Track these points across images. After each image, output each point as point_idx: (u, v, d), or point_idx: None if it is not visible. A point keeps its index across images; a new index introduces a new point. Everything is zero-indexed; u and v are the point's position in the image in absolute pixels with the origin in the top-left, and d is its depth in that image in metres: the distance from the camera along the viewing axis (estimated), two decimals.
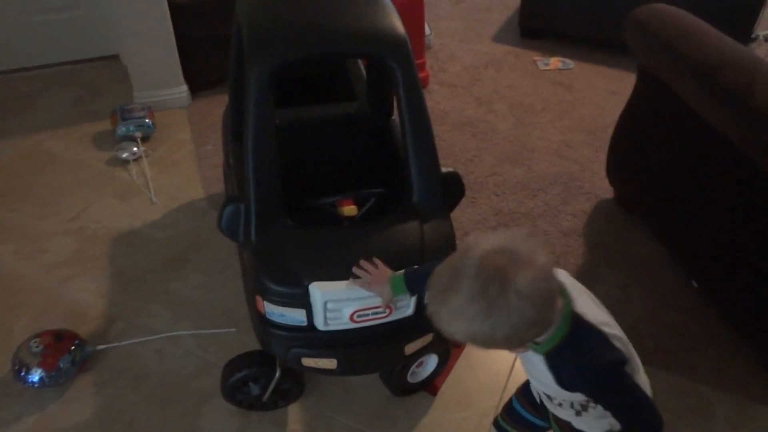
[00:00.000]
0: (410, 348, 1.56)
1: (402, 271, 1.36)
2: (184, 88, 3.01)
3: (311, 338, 1.47)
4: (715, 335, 2.01)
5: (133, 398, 1.82)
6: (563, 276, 1.11)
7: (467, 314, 0.91)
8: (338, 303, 1.41)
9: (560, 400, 1.17)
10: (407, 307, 1.47)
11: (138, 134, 2.73)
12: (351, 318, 1.43)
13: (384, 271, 1.38)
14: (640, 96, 2.22)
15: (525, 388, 1.40)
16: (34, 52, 3.24)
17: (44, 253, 2.28)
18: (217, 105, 3.00)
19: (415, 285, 1.34)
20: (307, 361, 1.52)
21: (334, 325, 1.45)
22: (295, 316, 1.44)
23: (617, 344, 1.06)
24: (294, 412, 1.79)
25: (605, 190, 2.54)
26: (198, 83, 3.08)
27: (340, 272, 1.41)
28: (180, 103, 3.01)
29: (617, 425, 1.13)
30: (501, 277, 0.89)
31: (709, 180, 1.94)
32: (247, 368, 1.66)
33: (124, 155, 2.67)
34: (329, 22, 1.57)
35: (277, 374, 1.66)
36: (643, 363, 1.89)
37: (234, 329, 1.98)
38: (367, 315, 1.44)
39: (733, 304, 1.97)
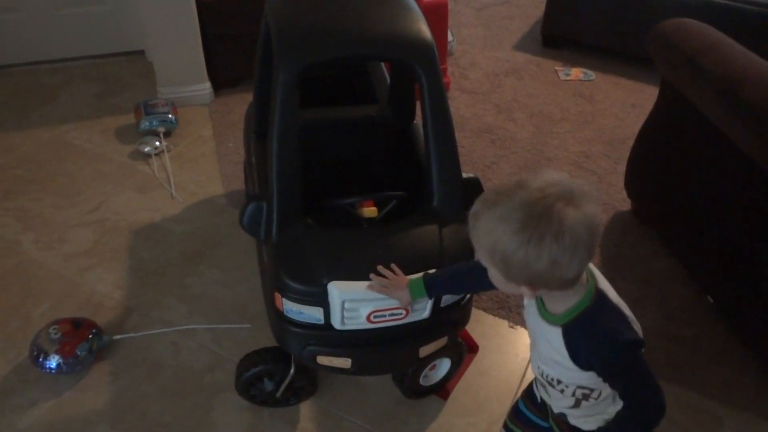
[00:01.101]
0: (424, 351, 1.57)
1: (420, 275, 1.38)
2: (208, 85, 3.05)
3: (327, 337, 1.49)
4: (727, 351, 2.00)
5: (147, 389, 1.84)
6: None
7: (504, 221, 0.93)
8: (356, 303, 1.43)
9: (565, 385, 1.16)
10: (423, 309, 1.48)
11: (161, 129, 2.76)
12: (368, 318, 1.44)
13: (402, 277, 1.39)
14: (661, 110, 2.22)
15: (529, 390, 1.40)
16: (59, 45, 3.29)
17: (64, 243, 2.31)
18: (239, 103, 3.03)
19: (434, 287, 1.36)
20: (323, 360, 1.53)
21: (351, 325, 1.46)
22: (312, 314, 1.46)
23: (635, 327, 1.07)
24: (305, 410, 1.80)
25: (622, 201, 2.54)
26: (221, 81, 3.11)
27: (359, 272, 1.42)
28: (203, 100, 3.05)
29: (609, 417, 1.16)
30: (554, 201, 0.92)
31: (728, 196, 1.93)
32: (262, 364, 1.67)
33: (146, 149, 2.70)
34: (358, 25, 1.59)
35: (292, 371, 1.67)
36: None
37: (249, 325, 2.00)
38: (384, 316, 1.45)
39: (746, 321, 1.97)
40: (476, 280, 1.23)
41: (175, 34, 2.85)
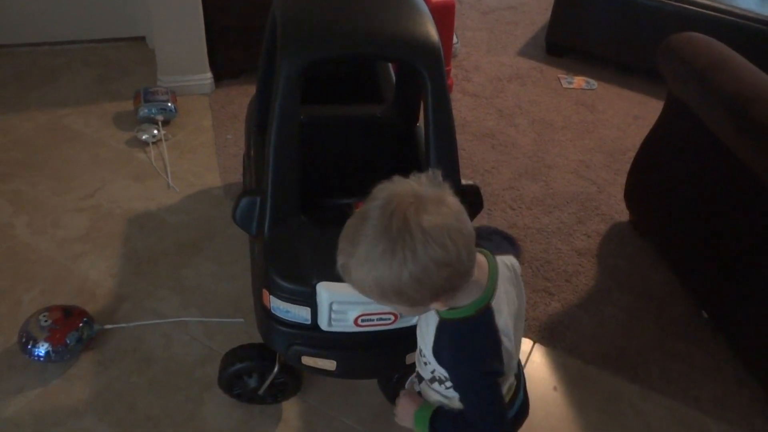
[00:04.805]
0: (411, 358, 1.55)
1: (431, 408, 1.19)
2: (209, 75, 3.02)
3: (313, 337, 1.47)
4: (721, 367, 2.00)
5: (136, 381, 1.82)
6: (505, 266, 1.10)
7: (372, 257, 0.90)
8: (344, 305, 1.40)
9: (427, 361, 1.15)
10: (412, 316, 1.46)
11: (160, 117, 2.73)
12: (355, 322, 1.42)
13: (415, 398, 1.24)
14: (666, 123, 2.21)
15: None
16: (60, 27, 3.24)
17: (58, 228, 2.28)
18: (239, 95, 3.01)
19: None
20: (307, 360, 1.51)
21: (338, 327, 1.44)
22: (299, 313, 1.44)
23: (504, 358, 1.05)
24: (295, 409, 1.78)
25: (621, 213, 2.53)
26: (222, 72, 3.08)
27: None
28: (203, 90, 3.02)
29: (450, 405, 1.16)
30: (404, 213, 0.88)
31: (728, 212, 1.93)
32: (247, 360, 1.66)
33: (144, 137, 2.67)
34: (364, 23, 1.57)
35: (276, 369, 1.65)
36: (648, 389, 1.92)
37: (242, 320, 1.98)
38: (372, 320, 1.43)
39: (741, 338, 1.97)
40: None
41: (179, 22, 2.82)
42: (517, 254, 1.20)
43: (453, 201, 0.93)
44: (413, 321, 1.46)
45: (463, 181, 1.60)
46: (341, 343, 1.48)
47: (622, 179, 2.48)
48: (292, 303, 1.43)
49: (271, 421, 1.75)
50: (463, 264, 0.93)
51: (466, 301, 1.03)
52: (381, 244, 0.89)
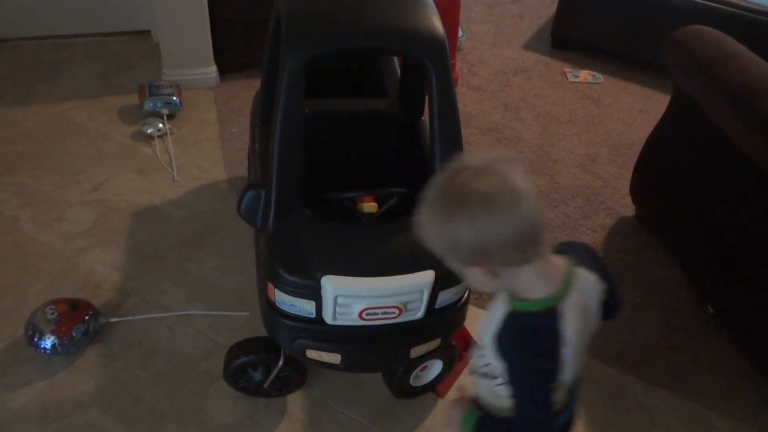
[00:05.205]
0: (416, 351, 1.56)
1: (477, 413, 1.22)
2: (214, 69, 3.01)
3: (318, 331, 1.48)
4: (726, 362, 2.00)
5: (142, 373, 1.82)
6: (582, 279, 1.08)
7: (426, 201, 0.97)
8: (349, 299, 1.40)
9: (483, 354, 1.15)
10: (417, 310, 1.46)
11: (164, 111, 2.73)
12: (360, 315, 1.42)
13: (466, 402, 1.27)
14: (672, 117, 2.20)
15: None
16: (64, 21, 3.24)
17: (62, 221, 2.29)
18: (244, 89, 3.00)
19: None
20: (312, 354, 1.52)
21: (343, 321, 1.44)
22: (304, 307, 1.44)
23: (559, 361, 1.04)
24: (300, 402, 1.79)
25: (627, 207, 2.52)
26: (227, 65, 3.08)
27: (354, 268, 1.40)
28: (208, 83, 3.02)
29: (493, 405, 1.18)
30: (456, 173, 0.95)
31: (734, 207, 1.92)
32: (252, 354, 1.66)
33: (149, 131, 2.67)
34: (369, 17, 1.56)
35: (281, 363, 1.66)
36: (653, 384, 1.91)
37: (247, 313, 1.99)
38: (376, 314, 1.43)
39: (746, 333, 1.96)
40: None
41: (184, 16, 2.82)
42: (613, 285, 1.19)
43: (515, 182, 0.93)
44: (417, 315, 1.47)
45: None
46: (346, 336, 1.49)
47: (628, 173, 2.47)
48: (296, 296, 1.43)
49: (275, 414, 1.75)
50: (494, 241, 0.94)
51: (534, 294, 1.03)
52: (432, 192, 0.97)
